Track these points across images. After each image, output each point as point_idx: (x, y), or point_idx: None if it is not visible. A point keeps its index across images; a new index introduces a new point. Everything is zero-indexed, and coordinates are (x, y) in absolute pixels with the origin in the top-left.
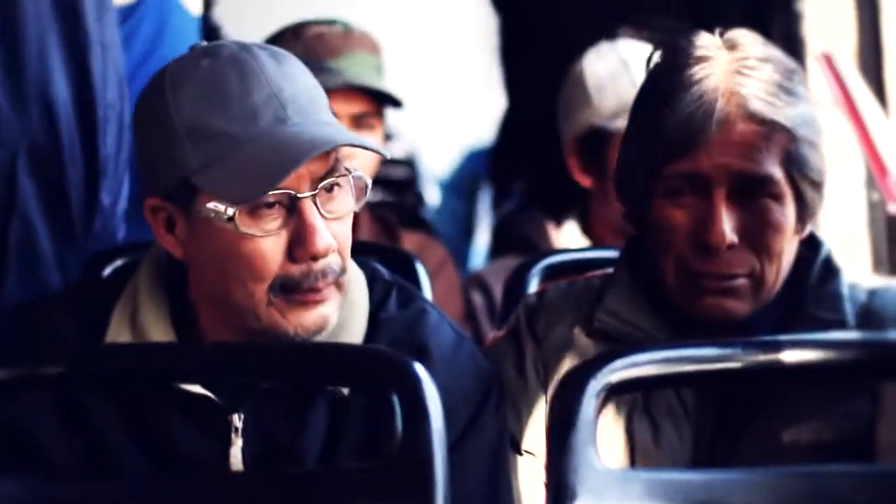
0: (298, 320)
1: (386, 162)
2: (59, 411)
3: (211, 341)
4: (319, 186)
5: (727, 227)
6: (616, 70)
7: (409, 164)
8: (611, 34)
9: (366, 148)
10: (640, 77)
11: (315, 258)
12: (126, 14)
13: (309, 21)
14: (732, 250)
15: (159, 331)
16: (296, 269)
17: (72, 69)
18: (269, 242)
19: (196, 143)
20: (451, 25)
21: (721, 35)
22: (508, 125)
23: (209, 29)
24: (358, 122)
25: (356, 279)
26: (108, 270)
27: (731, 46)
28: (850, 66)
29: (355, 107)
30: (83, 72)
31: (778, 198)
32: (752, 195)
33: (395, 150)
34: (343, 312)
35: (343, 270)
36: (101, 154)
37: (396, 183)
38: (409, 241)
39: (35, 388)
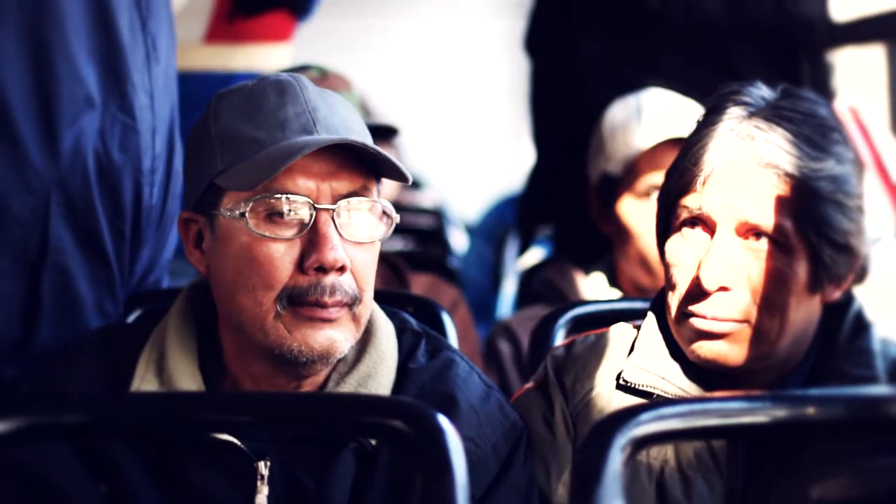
0: (304, 337)
1: (413, 211)
2: (84, 458)
3: (235, 391)
4: (340, 203)
5: (721, 268)
6: (629, 117)
7: (436, 213)
8: (639, 84)
9: (384, 159)
10: (651, 124)
11: (323, 269)
12: None
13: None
14: (728, 294)
15: (187, 377)
16: (304, 280)
17: (112, 115)
18: (281, 249)
19: (225, 148)
20: (480, 77)
21: (782, 89)
22: (537, 174)
23: None
24: None
25: (385, 329)
26: (133, 316)
27: (781, 97)
28: (877, 119)
29: None
30: (127, 119)
31: (787, 250)
32: (759, 242)
33: (423, 200)
34: (372, 362)
35: (357, 298)
36: (144, 203)
37: (423, 232)
38: (419, 284)
39: (59, 436)
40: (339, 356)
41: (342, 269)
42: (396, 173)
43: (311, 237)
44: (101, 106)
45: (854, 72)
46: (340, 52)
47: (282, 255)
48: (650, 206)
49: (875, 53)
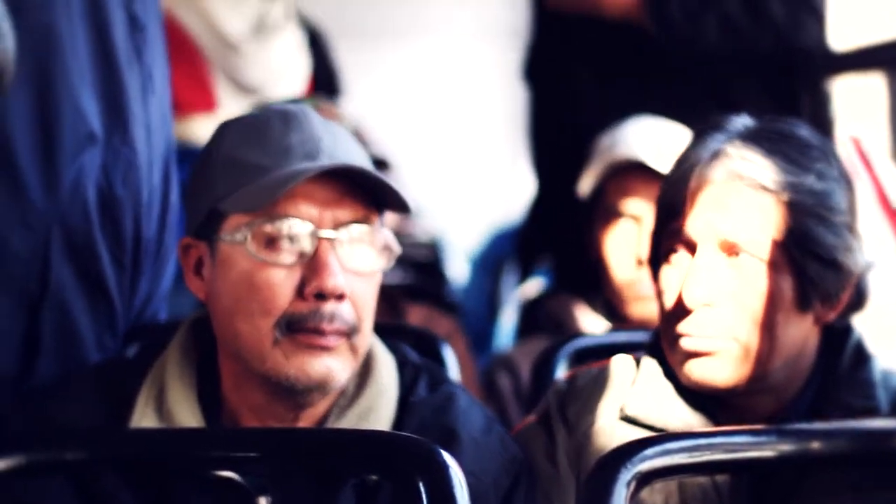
0: (301, 364)
1: (409, 244)
2: (82, 495)
3: (237, 427)
4: (342, 231)
5: (703, 285)
6: (609, 143)
7: (432, 246)
8: (636, 113)
9: (386, 187)
10: (620, 148)
11: (323, 296)
12: None
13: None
14: (712, 311)
15: (186, 412)
16: (303, 306)
17: (115, 150)
18: (281, 274)
19: (227, 174)
20: (479, 106)
21: (767, 118)
22: (538, 203)
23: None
24: None
25: (386, 362)
26: (132, 350)
27: (762, 122)
28: (878, 149)
29: None
30: (129, 152)
31: (771, 266)
32: (742, 258)
33: (418, 230)
34: (372, 396)
35: (356, 328)
36: (143, 235)
37: (419, 265)
38: (415, 315)
39: (58, 472)
40: (336, 386)
41: (341, 297)
42: (398, 203)
43: (312, 263)
44: (103, 141)
45: (853, 101)
46: None
47: (282, 280)
48: (616, 231)
49: (875, 82)
